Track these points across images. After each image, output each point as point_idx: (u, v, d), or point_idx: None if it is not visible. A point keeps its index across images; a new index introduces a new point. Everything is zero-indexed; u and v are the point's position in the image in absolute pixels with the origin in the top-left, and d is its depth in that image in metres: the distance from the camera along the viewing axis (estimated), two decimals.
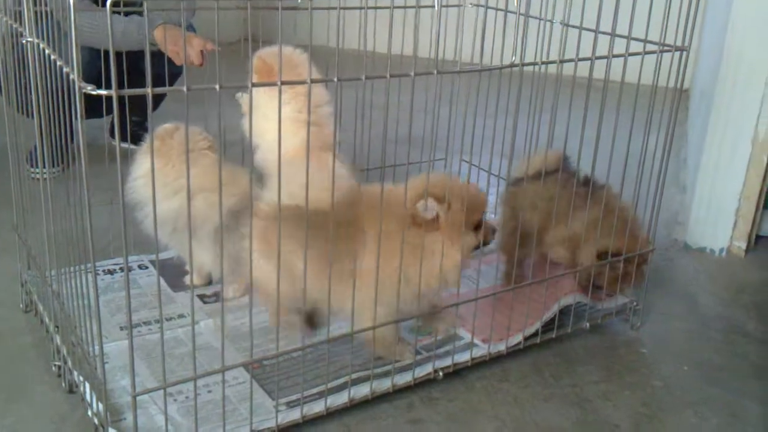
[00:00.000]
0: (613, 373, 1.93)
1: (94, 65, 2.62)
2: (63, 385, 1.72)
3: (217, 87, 1.30)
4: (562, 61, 1.73)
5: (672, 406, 1.82)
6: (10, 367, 1.81)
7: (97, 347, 1.39)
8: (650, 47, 1.87)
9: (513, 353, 1.92)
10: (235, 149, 1.98)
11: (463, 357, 1.84)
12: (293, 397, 1.66)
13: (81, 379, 1.60)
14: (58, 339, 1.71)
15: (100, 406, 1.49)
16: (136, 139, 3.12)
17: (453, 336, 1.90)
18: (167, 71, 2.26)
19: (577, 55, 1.74)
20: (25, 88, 1.62)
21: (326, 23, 1.43)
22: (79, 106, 1.20)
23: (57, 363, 1.74)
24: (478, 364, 1.86)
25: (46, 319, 1.82)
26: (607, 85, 1.77)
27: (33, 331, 1.94)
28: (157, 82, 1.25)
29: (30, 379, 1.77)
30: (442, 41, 1.54)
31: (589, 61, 1.75)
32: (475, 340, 1.90)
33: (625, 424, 1.74)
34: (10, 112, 1.85)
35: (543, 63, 1.70)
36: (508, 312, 1.90)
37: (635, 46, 1.84)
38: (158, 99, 3.03)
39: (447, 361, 1.81)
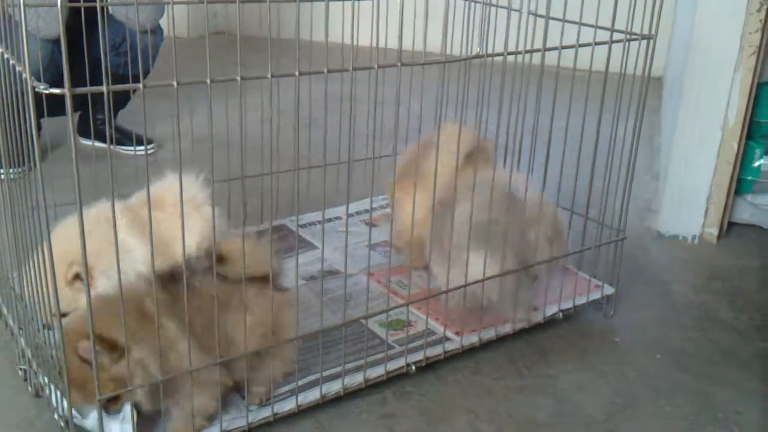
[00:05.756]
0: (587, 362, 1.94)
1: (56, 64, 2.59)
2: (29, 389, 1.69)
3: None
4: (527, 51, 1.72)
5: (645, 394, 1.82)
6: None
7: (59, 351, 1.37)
8: (617, 36, 1.87)
9: (486, 344, 1.91)
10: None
11: (436, 350, 1.83)
12: None
13: (47, 382, 1.57)
14: (22, 342, 1.69)
15: (66, 409, 1.47)
16: (102, 137, 3.07)
17: (425, 330, 1.89)
18: (134, 69, 2.23)
19: (545, 44, 1.73)
20: None
21: (295, 16, 1.41)
22: (31, 104, 1.17)
23: (22, 367, 1.71)
24: (451, 357, 1.86)
25: (11, 322, 1.79)
26: (575, 74, 1.77)
27: None
28: (123, 83, 1.23)
29: None
30: (410, 33, 1.53)
31: (556, 51, 1.75)
32: (448, 333, 1.89)
33: (598, 414, 1.74)
34: None
35: (509, 54, 1.69)
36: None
37: (602, 35, 1.84)
38: (124, 97, 2.99)
39: (419, 355, 1.80)
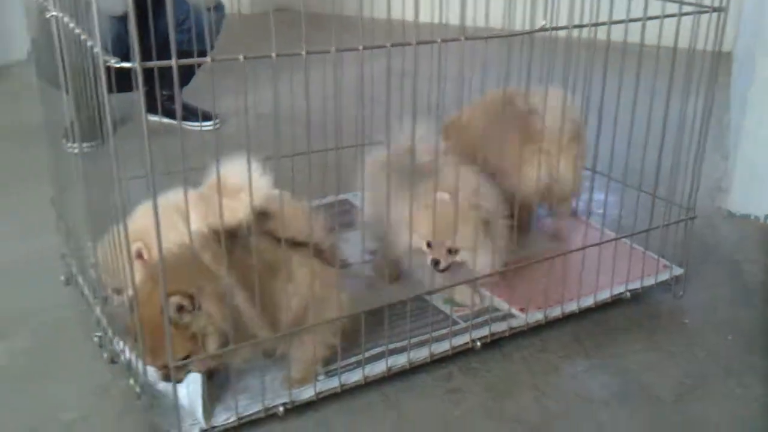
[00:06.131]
0: (655, 342, 1.90)
1: (122, 40, 2.64)
2: (104, 356, 1.74)
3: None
4: (594, 25, 1.69)
5: (715, 376, 1.78)
6: (52, 339, 1.85)
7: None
8: (686, 8, 1.82)
9: (552, 322, 1.89)
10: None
11: (501, 327, 1.82)
12: (331, 366, 1.66)
13: (122, 348, 1.62)
14: (98, 310, 1.74)
15: (141, 374, 1.50)
16: (168, 113, 3.13)
17: (489, 307, 1.88)
18: (198, 45, 2.26)
19: (611, 18, 1.70)
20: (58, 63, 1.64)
21: None
22: (103, 79, 1.20)
23: (98, 334, 1.76)
24: (516, 335, 1.84)
25: (86, 291, 1.84)
26: (642, 49, 1.73)
27: (74, 304, 1.97)
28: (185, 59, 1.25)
29: (72, 351, 1.81)
30: (471, 7, 1.52)
31: (623, 25, 1.71)
32: (513, 311, 1.88)
33: (667, 394, 1.71)
34: (45, 88, 1.87)
35: (574, 27, 1.66)
36: (546, 282, 1.87)
37: (671, 8, 1.79)
38: (188, 73, 3.04)
39: (484, 331, 1.79)
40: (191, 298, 1.39)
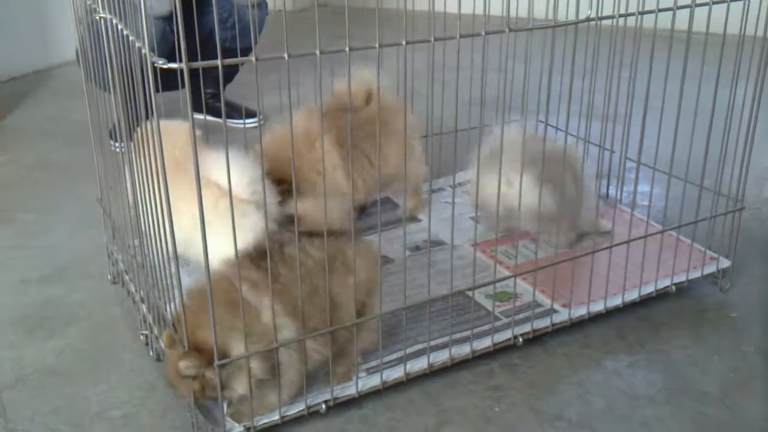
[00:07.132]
0: (701, 337, 1.87)
1: (167, 40, 2.68)
2: (150, 353, 1.77)
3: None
4: (641, 13, 1.66)
5: (764, 372, 1.75)
6: (100, 337, 1.88)
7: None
8: None
9: (594, 318, 1.87)
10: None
11: (543, 323, 1.80)
12: (373, 364, 1.67)
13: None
14: (144, 308, 1.76)
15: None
16: (212, 111, 3.16)
17: (532, 302, 1.87)
18: (241, 42, 2.28)
19: (658, 5, 1.66)
20: (104, 64, 1.66)
21: None
22: (151, 79, 1.21)
23: (144, 332, 1.79)
24: (558, 330, 1.83)
25: (132, 289, 1.87)
26: (690, 36, 1.69)
27: (121, 302, 2.01)
28: (231, 56, 1.26)
29: (119, 348, 1.83)
30: None
31: (670, 12, 1.67)
32: (555, 306, 1.86)
33: (714, 390, 1.68)
34: (91, 89, 1.90)
35: (621, 16, 1.63)
36: (588, 276, 1.85)
37: None
38: (231, 71, 3.06)
39: (527, 327, 1.78)
40: (204, 360, 1.37)
